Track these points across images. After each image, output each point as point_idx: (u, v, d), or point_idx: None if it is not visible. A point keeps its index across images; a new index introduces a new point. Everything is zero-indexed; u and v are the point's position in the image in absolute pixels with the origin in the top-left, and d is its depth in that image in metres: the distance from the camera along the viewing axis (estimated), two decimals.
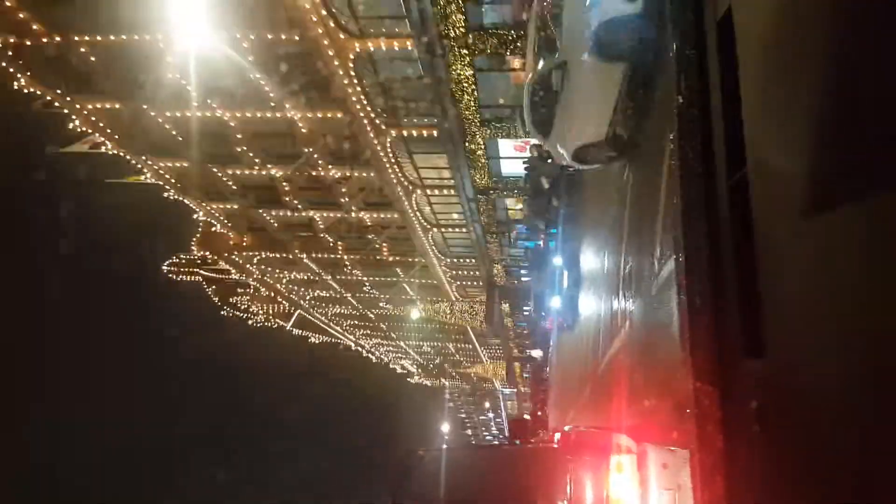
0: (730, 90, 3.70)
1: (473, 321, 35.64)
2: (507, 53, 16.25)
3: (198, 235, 27.72)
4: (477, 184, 22.06)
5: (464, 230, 25.84)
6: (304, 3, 14.73)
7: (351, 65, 16.91)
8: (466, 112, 18.19)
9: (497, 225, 25.17)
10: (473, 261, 28.96)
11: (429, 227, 25.88)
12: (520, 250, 26.35)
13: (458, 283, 32.21)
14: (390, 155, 20.75)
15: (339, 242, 28.06)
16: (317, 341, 46.86)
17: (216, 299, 35.69)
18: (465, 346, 47.09)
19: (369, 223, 26.09)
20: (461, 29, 15.34)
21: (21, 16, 16.62)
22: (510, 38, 15.62)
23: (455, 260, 29.39)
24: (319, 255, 29.44)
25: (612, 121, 7.54)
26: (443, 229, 26.48)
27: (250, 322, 39.47)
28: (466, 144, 19.72)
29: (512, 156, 20.81)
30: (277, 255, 29.48)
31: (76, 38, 17.18)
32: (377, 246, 28.13)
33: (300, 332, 43.62)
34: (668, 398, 5.30)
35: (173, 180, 23.75)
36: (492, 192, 22.78)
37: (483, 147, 20.01)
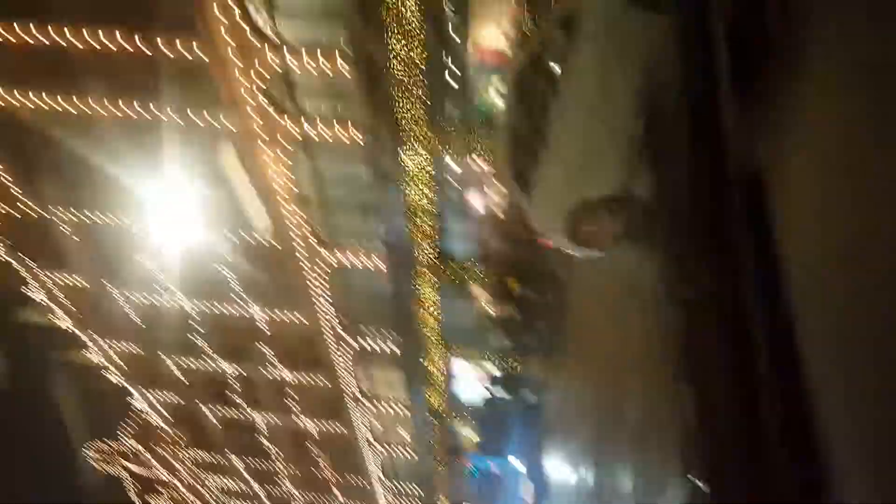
0: None
1: None
2: (471, 283, 16.93)
3: (132, 425, 25.98)
4: (432, 406, 21.49)
5: (413, 454, 24.53)
6: (285, 212, 15.60)
7: (319, 272, 17.41)
8: (428, 332, 18.36)
9: (450, 453, 23.98)
10: (420, 490, 27.06)
11: (375, 444, 24.61)
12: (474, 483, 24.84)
13: None
14: (346, 364, 20.46)
15: (279, 452, 26.35)
16: None
17: (134, 497, 32.31)
18: None
19: (314, 433, 24.80)
20: (431, 256, 16.14)
21: (9, 185, 17.30)
22: (475, 269, 16.40)
23: (400, 486, 27.45)
24: (255, 462, 27.41)
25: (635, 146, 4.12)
26: (391, 448, 25.15)
27: None
28: (425, 364, 19.60)
29: (470, 381, 20.60)
30: (212, 458, 27.41)
31: (57, 212, 17.74)
32: (318, 459, 26.41)
33: None
34: None
35: (122, 363, 22.92)
36: (445, 415, 22.10)
37: (441, 368, 19.86)
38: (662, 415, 4.73)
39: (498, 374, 19.14)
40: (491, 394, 20.04)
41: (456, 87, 12.93)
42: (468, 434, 23.93)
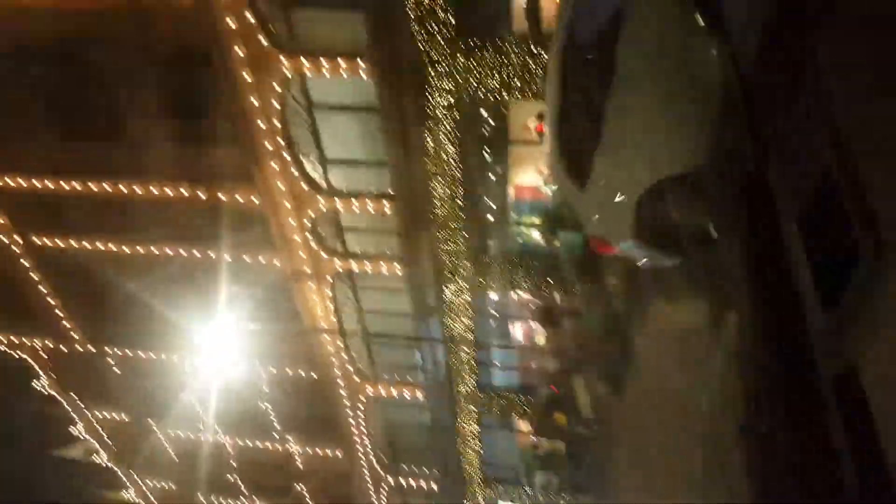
0: None
1: None
2: (514, 415, 16.56)
3: None
4: None
5: None
6: (329, 346, 15.81)
7: (360, 406, 17.27)
8: (469, 468, 17.78)
9: None
10: None
11: None
12: None
13: None
14: (384, 502, 19.69)
15: None
16: None
17: None
18: None
19: None
20: (472, 387, 15.98)
21: (66, 324, 17.98)
22: (518, 401, 16.10)
23: None
24: None
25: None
26: None
27: None
28: (466, 502, 18.76)
29: None
30: None
31: (108, 350, 18.25)
32: None
33: None
34: None
35: (156, 501, 22.42)
36: None
37: None
38: None
39: None
40: None
41: (495, 222, 13.42)
42: None
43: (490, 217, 13.21)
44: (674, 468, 7.23)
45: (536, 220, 12.46)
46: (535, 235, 13.20)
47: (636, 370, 9.89)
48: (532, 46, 10.09)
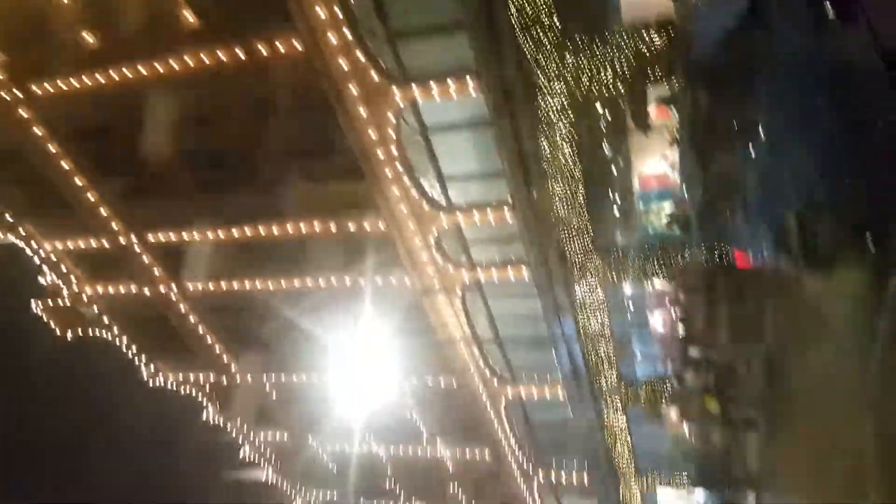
0: None
1: None
2: (662, 404, 16.14)
3: None
4: None
5: None
6: (465, 355, 16.15)
7: (502, 409, 17.52)
8: (619, 460, 17.55)
9: None
10: None
11: None
12: None
13: None
14: (536, 500, 19.86)
15: None
16: None
17: None
18: None
19: None
20: (613, 380, 15.76)
21: (225, 358, 19.56)
22: (663, 389, 15.68)
23: None
24: None
25: None
26: None
27: None
28: (620, 493, 18.54)
29: None
30: None
31: (264, 377, 19.67)
32: None
33: None
34: None
35: None
36: None
37: (639, 498, 18.65)
38: None
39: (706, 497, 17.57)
40: None
41: (622, 215, 13.15)
42: None
43: (616, 211, 12.95)
44: (843, 441, 6.86)
45: (665, 209, 12.09)
46: (664, 223, 12.82)
47: (795, 352, 9.44)
48: (644, 33, 9.79)
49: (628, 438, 16.85)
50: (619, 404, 16.26)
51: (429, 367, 17.31)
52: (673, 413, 16.12)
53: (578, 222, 12.99)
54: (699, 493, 16.75)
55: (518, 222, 13.12)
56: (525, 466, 18.88)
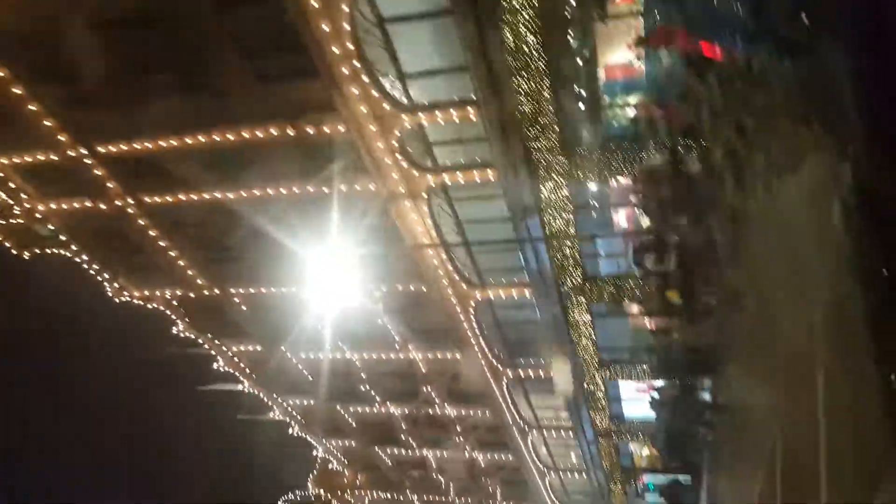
0: None
1: None
2: (625, 300, 16.59)
3: (315, 472, 27.78)
4: (597, 426, 21.14)
5: (584, 476, 24.16)
6: (434, 260, 16.21)
7: (472, 311, 17.83)
8: (584, 355, 18.22)
9: (621, 472, 23.38)
10: None
11: (545, 470, 24.49)
12: (649, 501, 23.94)
13: None
14: (506, 395, 20.67)
15: (451, 483, 26.98)
16: None
17: None
18: None
19: (483, 464, 25.16)
20: (578, 279, 16.06)
21: (190, 273, 19.33)
22: (627, 286, 16.07)
23: None
24: (430, 498, 28.22)
25: None
26: (560, 473, 24.92)
27: None
28: (585, 386, 19.38)
29: (635, 398, 20.07)
30: (388, 496, 28.59)
31: (232, 290, 19.58)
32: (490, 488, 26.71)
33: None
34: None
35: (299, 417, 24.66)
36: (613, 435, 21.63)
37: (603, 388, 19.54)
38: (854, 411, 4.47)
39: (663, 388, 18.46)
40: (658, 409, 19.30)
41: (587, 110, 12.91)
42: (638, 451, 23.23)
43: (581, 105, 12.70)
44: (797, 320, 7.14)
45: (630, 101, 11.88)
46: (630, 115, 12.65)
47: (753, 238, 9.64)
48: None
49: (592, 334, 17.41)
50: (583, 302, 16.66)
51: (398, 274, 17.37)
52: (635, 308, 16.63)
53: (544, 119, 12.75)
54: (657, 383, 17.58)
55: (483, 121, 12.82)
56: (495, 365, 19.49)
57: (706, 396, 16.19)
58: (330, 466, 27.07)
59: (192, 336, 21.67)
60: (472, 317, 17.94)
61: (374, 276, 17.31)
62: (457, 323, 18.13)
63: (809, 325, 6.48)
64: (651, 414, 19.03)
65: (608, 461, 22.86)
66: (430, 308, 18.10)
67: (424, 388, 21.27)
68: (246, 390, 23.38)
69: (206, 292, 19.73)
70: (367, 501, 28.73)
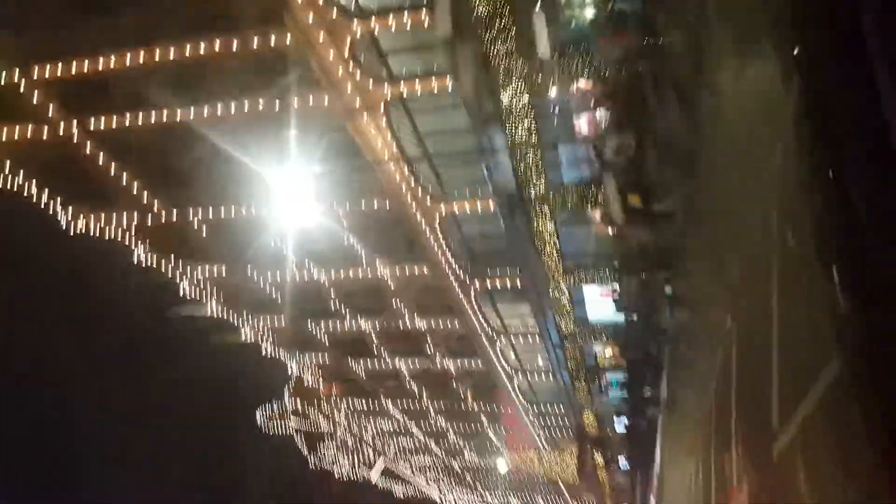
0: None
1: (564, 473, 33.66)
2: (588, 207, 16.76)
3: (290, 387, 28.49)
4: (562, 330, 21.90)
5: (550, 377, 25.28)
6: (396, 175, 16.00)
7: (437, 225, 17.86)
8: (549, 262, 18.55)
9: (586, 372, 24.51)
10: (561, 408, 27.99)
11: (513, 373, 25.54)
12: (611, 399, 25.31)
13: (547, 432, 30.95)
14: (475, 305, 21.14)
15: (424, 391, 28.01)
16: (402, 494, 45.34)
17: (304, 449, 35.78)
18: (556, 499, 44.14)
19: (454, 371, 26.07)
20: (541, 189, 16.09)
21: (145, 198, 18.78)
22: (590, 193, 16.19)
23: (542, 407, 28.52)
24: (405, 405, 29.34)
25: None
26: (528, 376, 26.04)
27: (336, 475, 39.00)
28: (550, 293, 19.88)
29: (599, 301, 20.71)
30: (365, 406, 29.62)
31: (191, 214, 19.16)
32: (461, 394, 27.86)
33: (384, 483, 42.52)
34: None
35: (271, 336, 24.94)
36: (578, 338, 22.48)
37: (567, 294, 20.08)
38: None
39: (623, 286, 18.98)
40: (619, 307, 19.91)
41: (547, 13, 12.45)
42: (602, 351, 24.25)
43: (540, 8, 12.23)
44: (751, 219, 7.34)
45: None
46: (590, 15, 12.28)
47: (708, 141, 9.70)
48: None
49: (556, 242, 17.66)
50: (547, 211, 16.78)
51: (360, 191, 17.17)
52: (598, 214, 16.83)
53: (501, 21, 12.29)
54: (618, 286, 18.10)
55: (437, 25, 12.30)
56: (462, 277, 19.79)
57: (666, 290, 16.65)
58: (305, 380, 27.74)
59: (154, 263, 21.35)
60: (437, 232, 17.99)
61: (336, 193, 17.10)
62: (423, 238, 18.18)
63: (763, 220, 6.65)
64: (614, 316, 19.80)
65: (573, 362, 23.89)
66: (395, 224, 18.07)
67: (394, 303, 21.58)
68: (215, 314, 23.39)
69: (163, 218, 19.27)
70: (343, 410, 29.75)
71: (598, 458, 30.48)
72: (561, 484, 36.85)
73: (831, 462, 4.35)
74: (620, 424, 26.18)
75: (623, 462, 29.01)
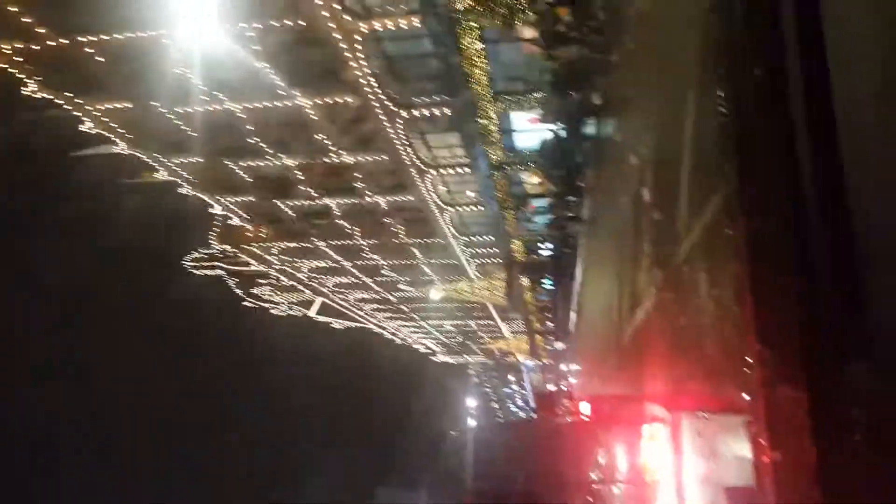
0: None
1: (494, 297, 35.60)
2: (518, 23, 15.92)
3: (216, 229, 27.84)
4: (491, 160, 21.84)
5: (480, 208, 25.67)
6: None
7: (358, 46, 16.68)
8: (478, 87, 17.92)
9: (513, 200, 24.96)
10: (491, 238, 28.81)
11: (444, 206, 25.74)
12: (537, 225, 26.13)
13: (477, 261, 32.09)
14: (402, 137, 20.58)
15: (356, 228, 28.05)
16: (340, 327, 47.25)
17: (238, 291, 36.04)
18: (486, 322, 47.12)
19: (385, 207, 26.01)
20: (469, 1, 15.05)
21: (25, 20, 16.52)
22: (520, 6, 15.28)
23: (472, 238, 29.26)
24: (337, 242, 29.46)
25: None
26: (459, 208, 26.33)
27: (273, 312, 39.86)
28: (479, 121, 19.48)
29: (526, 129, 20.54)
30: (296, 245, 29.54)
31: (81, 40, 17.10)
32: (394, 229, 28.08)
33: (323, 319, 44.02)
34: (703, 366, 5.24)
35: (188, 176, 23.77)
36: (507, 166, 22.55)
37: (496, 122, 19.76)
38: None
39: (550, 105, 18.57)
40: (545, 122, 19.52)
41: None
42: (529, 179, 24.52)
43: None
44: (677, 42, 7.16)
45: None
46: None
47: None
48: None
49: (484, 63, 16.95)
50: (475, 28, 15.86)
51: (271, 8, 15.60)
52: (528, 32, 16.08)
53: None
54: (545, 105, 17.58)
55: None
56: (388, 104, 18.96)
57: (593, 101, 16.37)
58: (231, 223, 27.11)
59: (49, 97, 19.37)
60: (358, 53, 16.84)
61: (244, 12, 15.50)
62: (344, 62, 17.02)
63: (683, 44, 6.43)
64: (540, 141, 19.67)
65: (502, 192, 24.18)
66: (313, 47, 16.76)
67: (317, 136, 20.70)
68: (124, 152, 21.92)
69: (51, 43, 17.12)
70: (275, 251, 29.63)
71: (525, 281, 32.18)
72: (490, 307, 39.15)
73: (720, 269, 4.62)
74: (546, 250, 27.35)
75: (547, 283, 30.70)
